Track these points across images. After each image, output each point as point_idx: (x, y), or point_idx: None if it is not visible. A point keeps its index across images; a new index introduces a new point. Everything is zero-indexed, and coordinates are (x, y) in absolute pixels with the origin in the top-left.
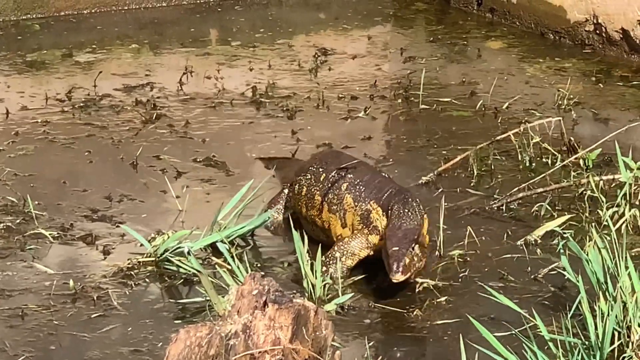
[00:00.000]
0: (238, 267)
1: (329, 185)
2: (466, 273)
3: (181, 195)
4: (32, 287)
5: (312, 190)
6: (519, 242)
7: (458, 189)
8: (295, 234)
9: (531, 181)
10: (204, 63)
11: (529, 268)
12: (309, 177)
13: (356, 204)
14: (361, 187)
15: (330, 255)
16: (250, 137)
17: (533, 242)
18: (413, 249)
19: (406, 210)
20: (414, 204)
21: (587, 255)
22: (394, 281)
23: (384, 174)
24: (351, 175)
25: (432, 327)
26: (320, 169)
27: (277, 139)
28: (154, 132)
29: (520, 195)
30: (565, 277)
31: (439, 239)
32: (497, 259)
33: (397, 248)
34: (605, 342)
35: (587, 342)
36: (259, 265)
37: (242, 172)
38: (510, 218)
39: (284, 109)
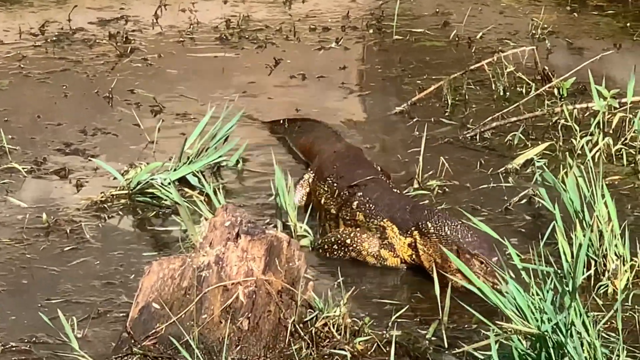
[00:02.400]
0: (215, 196)
1: (342, 201)
2: (443, 205)
3: (155, 128)
4: (5, 221)
5: (330, 203)
6: (498, 171)
7: (432, 119)
8: (277, 168)
9: (505, 110)
10: None
11: (505, 197)
12: (327, 189)
13: (367, 220)
14: (371, 205)
15: (338, 240)
16: (222, 70)
17: (513, 171)
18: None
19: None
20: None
21: (563, 184)
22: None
23: (395, 190)
24: (361, 193)
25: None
26: (336, 184)
27: (250, 71)
28: (128, 66)
29: (494, 124)
30: (538, 206)
31: (418, 168)
32: (474, 189)
33: (496, 258)
34: (578, 270)
35: (560, 271)
36: (234, 197)
37: (214, 105)
38: (484, 147)
39: (255, 41)
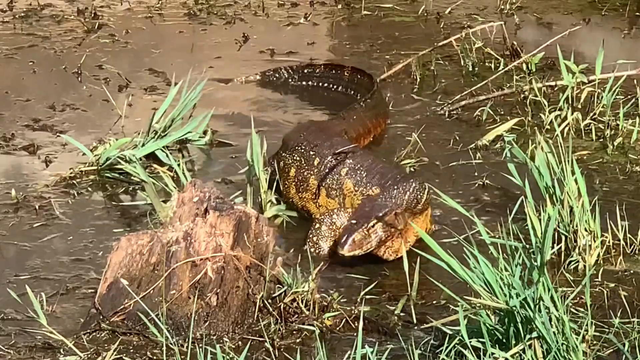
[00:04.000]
0: (182, 173)
1: (326, 170)
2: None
3: (123, 104)
4: None
5: (305, 173)
6: (468, 148)
7: (402, 95)
8: (255, 136)
9: (475, 87)
10: None
11: (475, 173)
12: (298, 158)
13: (357, 189)
14: (362, 173)
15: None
16: (190, 46)
17: (482, 147)
18: (373, 226)
19: (394, 190)
20: (411, 188)
21: (532, 159)
22: (340, 253)
23: (384, 160)
24: (351, 161)
25: None
26: (312, 152)
27: (219, 46)
28: (96, 42)
29: (463, 103)
30: (508, 181)
31: (397, 147)
32: (444, 166)
33: (354, 222)
34: (546, 245)
35: (529, 246)
36: (202, 171)
37: (182, 80)
38: (453, 123)
39: (224, 17)
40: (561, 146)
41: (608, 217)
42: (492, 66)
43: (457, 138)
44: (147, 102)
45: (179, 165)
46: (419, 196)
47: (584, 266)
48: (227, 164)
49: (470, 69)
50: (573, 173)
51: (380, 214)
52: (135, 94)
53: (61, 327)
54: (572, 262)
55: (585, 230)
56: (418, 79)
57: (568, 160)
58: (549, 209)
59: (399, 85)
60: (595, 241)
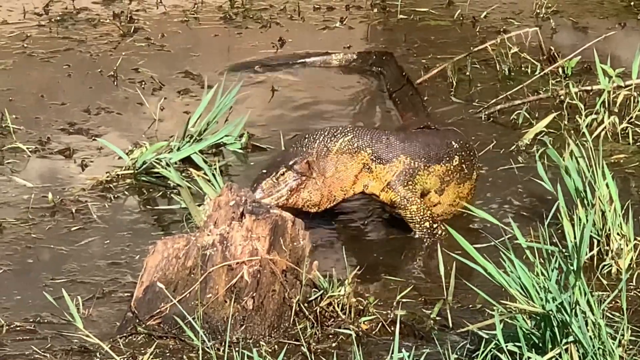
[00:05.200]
0: (215, 177)
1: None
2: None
3: (159, 107)
4: (11, 201)
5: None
6: (503, 150)
7: (439, 98)
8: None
9: (510, 92)
10: None
11: (511, 177)
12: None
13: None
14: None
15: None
16: (226, 49)
17: (523, 148)
18: (282, 174)
19: (305, 139)
20: (321, 136)
21: (565, 163)
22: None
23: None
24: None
25: (410, 238)
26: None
27: (254, 50)
28: (132, 45)
29: (499, 107)
30: (543, 187)
31: None
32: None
33: (264, 171)
34: (582, 249)
35: (564, 250)
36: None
37: (218, 83)
38: (490, 126)
39: (260, 20)
40: (592, 150)
41: None
42: (529, 70)
43: (495, 141)
44: (180, 105)
45: (215, 169)
46: (329, 143)
47: (618, 270)
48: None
49: (506, 73)
50: (604, 177)
51: (290, 163)
52: (169, 97)
53: (97, 330)
54: (606, 266)
55: (618, 234)
56: (454, 83)
57: (599, 164)
58: (580, 212)
59: (435, 89)
60: (627, 245)
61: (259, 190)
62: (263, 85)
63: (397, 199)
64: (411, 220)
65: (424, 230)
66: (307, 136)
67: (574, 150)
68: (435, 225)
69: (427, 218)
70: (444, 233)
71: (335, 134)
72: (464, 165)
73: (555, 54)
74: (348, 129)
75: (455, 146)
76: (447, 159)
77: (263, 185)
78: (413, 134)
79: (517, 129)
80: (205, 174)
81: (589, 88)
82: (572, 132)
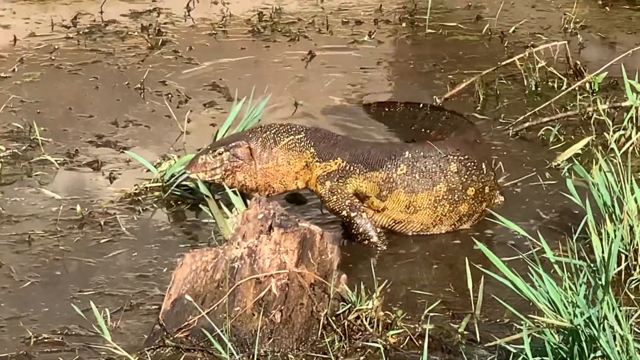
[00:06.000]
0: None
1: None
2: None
3: (186, 119)
4: (39, 213)
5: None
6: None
7: (465, 113)
8: None
9: (539, 107)
10: None
11: (540, 192)
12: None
13: None
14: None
15: None
16: (253, 63)
17: (558, 168)
18: (220, 154)
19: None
20: (273, 127)
21: (593, 178)
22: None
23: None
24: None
25: (437, 252)
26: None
27: (282, 63)
28: (159, 58)
29: (526, 125)
30: (571, 202)
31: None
32: (511, 185)
33: (207, 147)
34: (610, 264)
35: (592, 265)
36: None
37: (245, 96)
38: (518, 142)
39: (288, 34)
40: (621, 165)
41: None
42: (555, 85)
43: (528, 158)
44: (206, 117)
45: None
46: (278, 136)
47: None
48: None
49: (533, 88)
50: (633, 192)
51: (231, 145)
52: (195, 110)
53: (125, 343)
54: (634, 281)
55: None
56: (481, 98)
57: (628, 179)
58: (608, 227)
59: (462, 104)
60: None
61: (192, 165)
62: (287, 99)
63: (322, 192)
64: (334, 212)
65: (353, 225)
66: (262, 126)
67: (603, 165)
68: (370, 231)
69: (347, 210)
70: (383, 243)
71: (288, 130)
72: (416, 175)
73: (582, 68)
74: (301, 129)
75: (406, 155)
76: (390, 167)
77: (198, 161)
78: (361, 142)
79: (546, 145)
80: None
81: (617, 105)
82: (600, 147)
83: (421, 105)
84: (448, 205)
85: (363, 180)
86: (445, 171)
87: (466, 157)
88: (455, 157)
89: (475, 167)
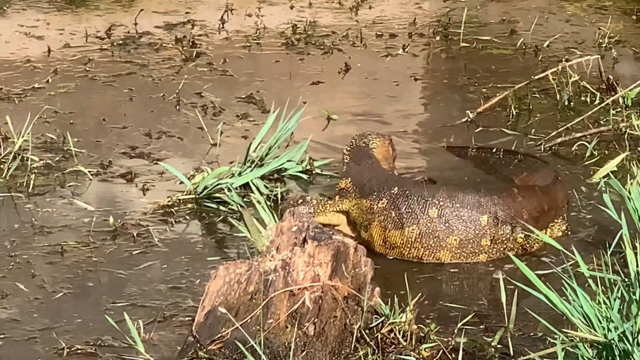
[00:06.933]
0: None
1: None
2: None
3: (219, 132)
4: (72, 224)
5: None
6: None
7: (495, 128)
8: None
9: (571, 123)
10: (245, 0)
11: (577, 206)
12: None
13: None
14: None
15: None
16: (287, 75)
17: (595, 185)
18: None
19: None
20: None
21: (630, 193)
22: None
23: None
24: None
25: (470, 265)
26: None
27: (316, 76)
28: (194, 70)
29: (559, 140)
30: (606, 216)
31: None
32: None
33: None
34: None
35: (627, 279)
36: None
37: (280, 108)
38: (551, 158)
39: (322, 47)
40: None
41: None
42: (588, 100)
43: (563, 173)
44: (240, 130)
45: (275, 195)
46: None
47: None
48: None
49: (566, 103)
50: None
51: None
52: (229, 122)
53: (158, 354)
54: None
55: None
56: (513, 113)
57: None
58: None
59: (494, 118)
60: None
61: None
62: (319, 112)
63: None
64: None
65: None
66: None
67: (639, 179)
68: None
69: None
70: None
71: (359, 138)
72: (393, 212)
73: (615, 83)
74: (357, 141)
75: (393, 191)
76: (375, 198)
77: None
78: (376, 169)
79: (580, 160)
80: (268, 198)
81: None
82: (635, 162)
83: (494, 150)
84: (422, 249)
85: (355, 204)
86: (421, 215)
87: (467, 205)
88: (438, 203)
89: (470, 219)
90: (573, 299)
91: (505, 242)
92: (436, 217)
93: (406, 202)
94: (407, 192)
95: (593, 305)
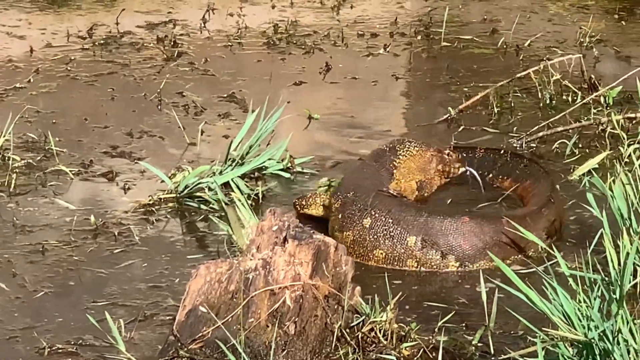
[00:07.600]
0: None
1: None
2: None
3: (200, 131)
4: (53, 223)
5: None
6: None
7: (476, 127)
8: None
9: (551, 119)
10: (227, 0)
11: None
12: None
13: None
14: None
15: None
16: (269, 75)
17: (576, 182)
18: None
19: None
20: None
21: (611, 191)
22: None
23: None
24: None
25: None
26: None
27: (297, 76)
28: (175, 70)
29: (541, 134)
30: (588, 214)
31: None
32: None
33: None
34: (625, 278)
35: (607, 278)
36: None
37: (260, 107)
38: (532, 156)
39: (303, 46)
40: (639, 177)
41: None
42: (570, 99)
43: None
44: (221, 129)
45: (256, 194)
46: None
47: None
48: (306, 193)
49: (548, 101)
50: None
51: None
52: (210, 121)
53: (139, 353)
54: None
55: None
56: (495, 111)
57: None
58: (625, 240)
59: (475, 117)
60: None
61: None
62: (301, 111)
63: None
64: None
65: None
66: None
67: (622, 178)
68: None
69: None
70: None
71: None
72: (340, 215)
73: (597, 82)
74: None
75: (349, 194)
76: (336, 197)
77: None
78: (361, 170)
79: (561, 158)
80: (248, 197)
81: (632, 115)
82: (618, 160)
83: (502, 151)
84: (355, 256)
85: (329, 201)
86: (358, 222)
87: (398, 218)
88: (374, 213)
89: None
90: (553, 297)
91: (435, 267)
92: (368, 228)
93: (354, 206)
94: (356, 198)
95: (573, 304)
